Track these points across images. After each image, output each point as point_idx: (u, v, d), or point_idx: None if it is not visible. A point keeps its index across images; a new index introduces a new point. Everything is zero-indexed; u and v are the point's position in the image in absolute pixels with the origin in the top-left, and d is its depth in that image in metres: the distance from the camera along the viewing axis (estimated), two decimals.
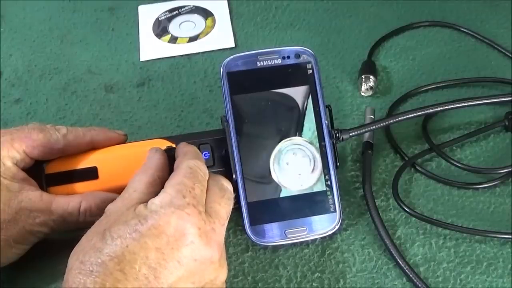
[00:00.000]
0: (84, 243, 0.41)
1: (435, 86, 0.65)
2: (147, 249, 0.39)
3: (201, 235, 0.41)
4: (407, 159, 0.58)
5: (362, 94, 0.65)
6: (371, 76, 0.64)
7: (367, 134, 0.58)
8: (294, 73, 0.53)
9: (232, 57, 0.53)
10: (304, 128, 0.52)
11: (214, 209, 0.44)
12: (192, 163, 0.45)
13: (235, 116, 0.51)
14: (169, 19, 0.75)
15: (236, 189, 0.51)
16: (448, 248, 0.52)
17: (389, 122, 0.55)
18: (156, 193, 0.44)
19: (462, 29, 0.71)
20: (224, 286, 0.45)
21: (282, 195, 0.51)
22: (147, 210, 0.41)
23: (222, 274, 0.44)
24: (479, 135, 0.60)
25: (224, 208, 0.44)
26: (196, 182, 0.43)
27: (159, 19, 0.75)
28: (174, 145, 0.51)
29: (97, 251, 0.39)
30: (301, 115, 0.52)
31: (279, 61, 0.53)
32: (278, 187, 0.51)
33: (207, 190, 0.45)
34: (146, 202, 0.43)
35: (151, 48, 0.72)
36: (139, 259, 0.39)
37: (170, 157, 0.48)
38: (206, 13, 0.76)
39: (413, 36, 0.71)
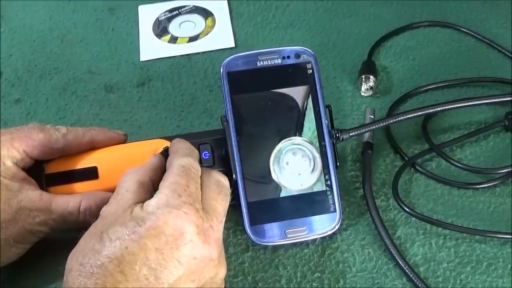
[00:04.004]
0: (83, 245, 0.41)
1: (435, 86, 0.65)
2: (147, 250, 0.39)
3: (200, 233, 0.41)
4: (407, 159, 0.58)
5: (362, 94, 0.65)
6: (371, 76, 0.64)
7: (367, 134, 0.58)
8: (294, 73, 0.53)
9: (232, 57, 0.53)
10: (304, 128, 0.52)
11: (211, 206, 0.44)
12: (183, 161, 0.45)
13: (235, 116, 0.52)
14: (169, 19, 0.75)
15: (236, 189, 0.51)
16: (448, 248, 0.52)
17: (389, 122, 0.55)
18: (148, 193, 0.44)
19: (462, 29, 0.71)
20: (223, 283, 0.45)
21: (282, 195, 0.51)
22: (143, 211, 0.41)
23: (222, 271, 0.44)
24: (479, 135, 0.60)
25: (221, 204, 0.44)
26: (189, 179, 0.43)
27: (159, 19, 0.75)
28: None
29: (96, 253, 0.39)
30: (301, 115, 0.52)
31: (279, 61, 0.53)
32: (278, 187, 0.51)
33: (203, 186, 0.45)
34: (140, 202, 0.43)
35: (151, 48, 0.72)
36: (139, 260, 0.39)
37: (168, 155, 0.48)
38: (206, 13, 0.76)
39: (413, 36, 0.71)
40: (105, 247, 0.39)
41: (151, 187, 0.45)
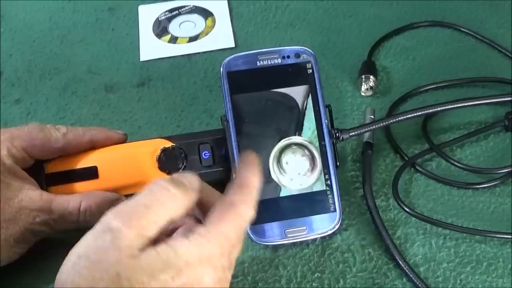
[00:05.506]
0: (89, 279, 0.34)
1: (435, 86, 0.65)
2: None
3: None
4: (407, 159, 0.58)
5: (362, 94, 0.65)
6: (371, 76, 0.64)
7: (367, 134, 0.58)
8: (294, 73, 0.53)
9: (232, 56, 0.53)
10: (304, 127, 0.52)
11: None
12: (249, 215, 0.38)
13: (235, 115, 0.52)
14: (169, 19, 0.75)
15: None
16: (448, 248, 0.52)
17: (389, 122, 0.55)
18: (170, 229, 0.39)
19: (462, 29, 0.71)
20: None
21: (282, 194, 0.51)
22: (178, 257, 0.35)
23: None
24: (479, 135, 0.60)
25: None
26: (241, 239, 0.38)
27: (159, 19, 0.75)
28: (174, 145, 0.52)
29: None
30: (301, 115, 0.52)
31: (279, 60, 0.53)
32: (277, 187, 0.51)
33: None
34: (165, 234, 0.38)
35: (151, 48, 0.72)
36: None
37: (168, 155, 0.48)
38: (206, 13, 0.76)
39: (413, 36, 0.71)
40: None
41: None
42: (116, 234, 0.35)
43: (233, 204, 0.38)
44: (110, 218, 0.36)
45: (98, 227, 0.36)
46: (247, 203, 0.39)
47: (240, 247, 0.39)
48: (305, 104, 0.53)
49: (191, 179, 0.39)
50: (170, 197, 0.37)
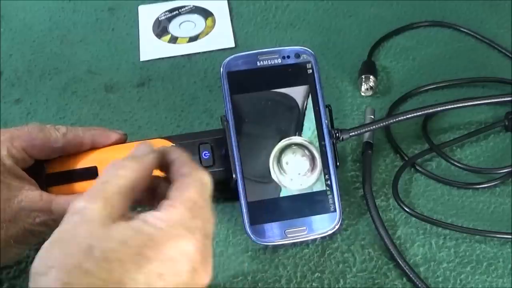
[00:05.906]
0: (61, 257, 0.34)
1: (435, 86, 0.65)
2: (150, 275, 0.35)
3: (203, 261, 0.38)
4: (407, 159, 0.58)
5: (362, 94, 0.65)
6: (371, 76, 0.64)
7: (367, 134, 0.58)
8: (294, 73, 0.53)
9: (232, 56, 0.53)
10: (304, 127, 0.52)
11: (209, 230, 0.40)
12: (206, 178, 0.40)
13: (235, 115, 0.52)
14: (169, 19, 0.75)
15: (236, 189, 0.51)
16: (448, 248, 0.52)
17: (389, 122, 0.55)
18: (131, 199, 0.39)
19: (462, 29, 0.71)
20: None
21: (282, 194, 0.51)
22: (150, 226, 0.36)
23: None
24: (479, 135, 0.60)
25: (213, 224, 0.40)
26: (207, 200, 0.39)
27: (159, 19, 0.75)
28: (174, 145, 0.52)
29: (88, 275, 0.33)
30: (301, 115, 0.52)
31: (279, 60, 0.53)
32: (278, 187, 0.51)
33: None
34: (132, 207, 0.38)
35: (151, 48, 0.72)
36: (141, 286, 0.34)
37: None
38: (206, 13, 0.76)
39: (413, 36, 0.71)
40: (101, 269, 0.34)
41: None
42: (83, 211, 0.36)
43: (187, 174, 0.40)
44: (74, 203, 0.37)
45: (65, 215, 0.37)
46: (198, 170, 0.40)
47: (213, 220, 0.40)
48: (305, 104, 0.53)
49: (141, 147, 0.42)
50: (121, 167, 0.39)
